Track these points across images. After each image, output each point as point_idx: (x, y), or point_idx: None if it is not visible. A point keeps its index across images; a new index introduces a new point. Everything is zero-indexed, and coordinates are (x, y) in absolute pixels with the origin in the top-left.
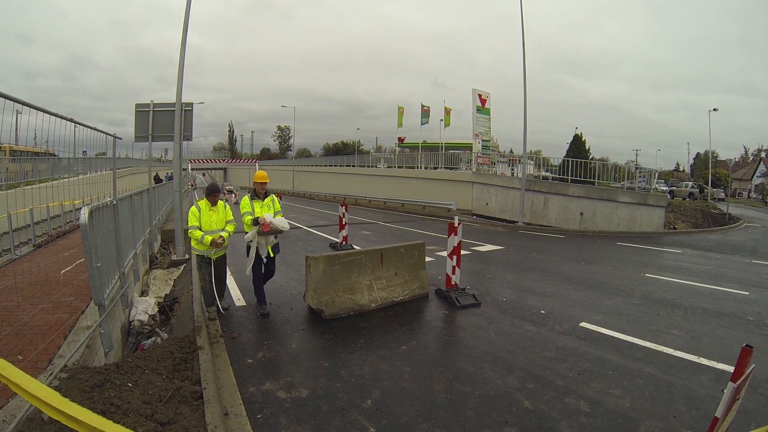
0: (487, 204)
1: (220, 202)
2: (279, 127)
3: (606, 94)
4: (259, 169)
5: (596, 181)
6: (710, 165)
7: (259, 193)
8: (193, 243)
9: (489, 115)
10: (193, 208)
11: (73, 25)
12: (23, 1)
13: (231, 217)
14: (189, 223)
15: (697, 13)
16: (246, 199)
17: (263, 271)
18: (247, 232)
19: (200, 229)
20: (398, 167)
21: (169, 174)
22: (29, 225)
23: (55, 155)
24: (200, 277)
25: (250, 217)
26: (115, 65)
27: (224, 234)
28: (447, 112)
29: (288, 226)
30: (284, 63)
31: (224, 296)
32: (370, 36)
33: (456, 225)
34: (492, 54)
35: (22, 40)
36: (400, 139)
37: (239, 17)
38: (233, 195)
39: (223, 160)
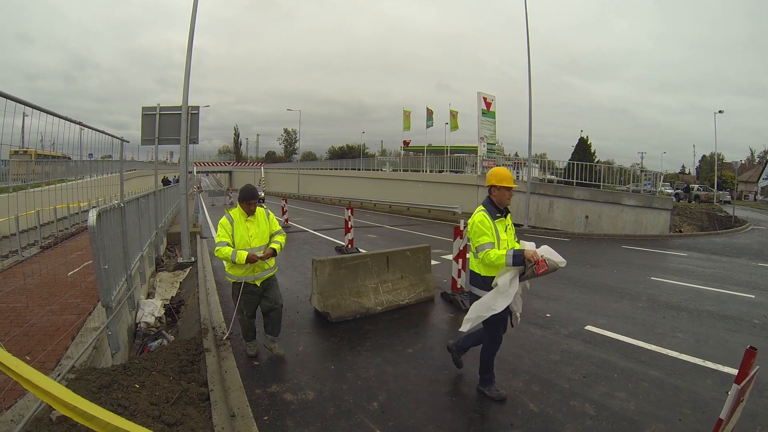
0: None
1: (260, 210)
2: (286, 130)
3: (612, 96)
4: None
5: (601, 184)
6: (716, 167)
7: (501, 205)
8: (226, 267)
9: (494, 118)
10: (224, 220)
11: (72, 26)
12: (21, 0)
13: (278, 227)
14: (216, 238)
15: (706, 12)
16: (483, 217)
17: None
18: (482, 275)
19: (231, 245)
20: (403, 171)
21: (176, 177)
22: (35, 227)
23: (69, 158)
24: (237, 309)
25: (498, 253)
26: (116, 66)
27: (275, 246)
28: (453, 115)
29: (564, 260)
30: (286, 65)
31: (279, 333)
32: (373, 36)
33: (461, 228)
34: (497, 55)
35: (22, 40)
36: (405, 143)
37: (239, 17)
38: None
39: (229, 164)
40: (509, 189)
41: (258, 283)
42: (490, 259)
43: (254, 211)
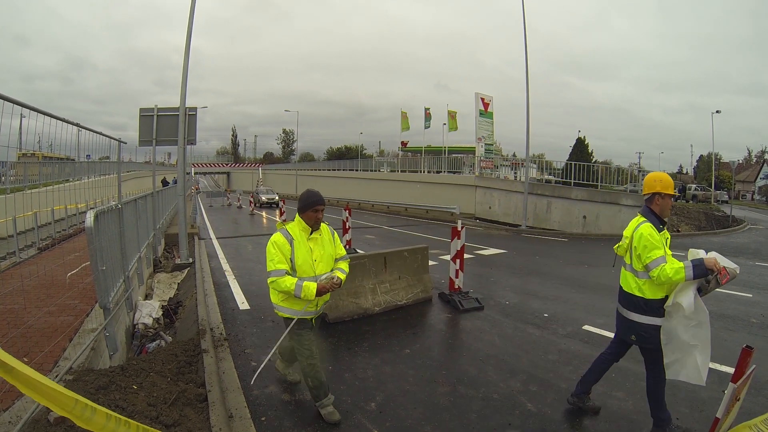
0: (490, 207)
1: (325, 226)
2: (284, 131)
3: (612, 95)
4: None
5: (599, 184)
6: (713, 167)
7: (663, 215)
8: (275, 299)
9: (492, 119)
10: (279, 238)
11: (69, 26)
12: (18, 1)
13: (343, 251)
14: (269, 265)
15: (706, 11)
16: (651, 229)
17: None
18: (646, 298)
19: (291, 274)
20: (401, 171)
21: (175, 178)
22: (33, 228)
23: (73, 160)
24: (298, 352)
25: (675, 266)
26: (114, 67)
27: (339, 275)
28: (452, 115)
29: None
30: (285, 65)
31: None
32: (372, 37)
33: (459, 229)
34: (497, 55)
35: (19, 41)
36: (403, 143)
37: (238, 17)
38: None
39: (227, 165)
40: (672, 197)
41: (314, 320)
42: (667, 275)
43: (320, 224)
